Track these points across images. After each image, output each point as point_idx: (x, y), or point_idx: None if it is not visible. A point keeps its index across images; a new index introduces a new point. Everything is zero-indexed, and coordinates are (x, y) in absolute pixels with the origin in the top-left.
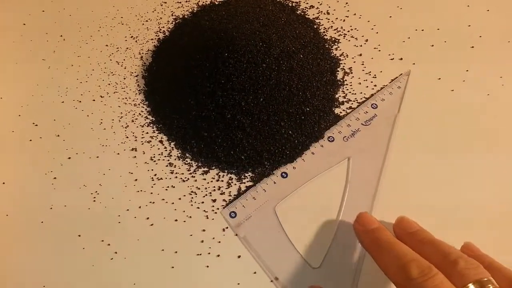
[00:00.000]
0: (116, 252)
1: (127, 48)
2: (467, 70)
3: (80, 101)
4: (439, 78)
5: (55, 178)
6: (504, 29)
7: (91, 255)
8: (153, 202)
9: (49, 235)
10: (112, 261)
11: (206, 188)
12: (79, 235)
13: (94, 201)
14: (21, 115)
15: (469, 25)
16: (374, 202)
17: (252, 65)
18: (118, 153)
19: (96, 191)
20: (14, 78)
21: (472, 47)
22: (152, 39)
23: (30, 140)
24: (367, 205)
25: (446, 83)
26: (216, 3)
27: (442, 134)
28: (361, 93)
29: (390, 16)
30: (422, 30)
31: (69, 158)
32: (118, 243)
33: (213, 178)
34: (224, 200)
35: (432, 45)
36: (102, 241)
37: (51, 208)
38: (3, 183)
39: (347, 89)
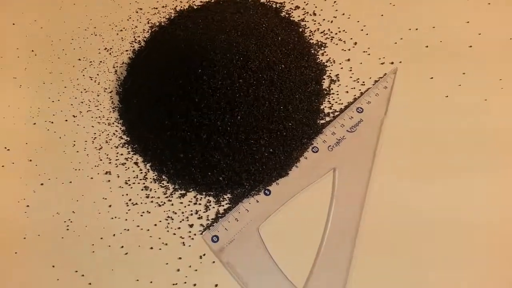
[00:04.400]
0: (90, 283)
1: (100, 61)
2: (464, 73)
3: (52, 122)
4: (432, 78)
5: (28, 206)
6: (505, 27)
7: (65, 287)
8: (128, 229)
9: (24, 266)
10: None
11: (183, 213)
12: (53, 266)
13: (68, 229)
14: (10, 148)
15: (468, 22)
16: (362, 216)
17: (228, 81)
18: (92, 178)
19: (69, 219)
20: None
21: (470, 46)
22: (127, 50)
23: (2, 166)
24: (355, 220)
25: (439, 85)
26: (195, 7)
27: (434, 138)
28: (348, 102)
29: (382, 15)
30: (416, 29)
31: (42, 184)
32: (92, 274)
33: (190, 201)
34: (201, 224)
35: (427, 46)
36: (76, 271)
37: (24, 238)
38: None
39: (333, 99)
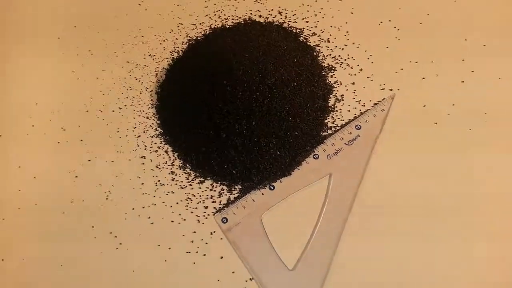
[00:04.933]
0: (120, 243)
1: (145, 65)
2: (453, 104)
3: (101, 111)
4: (424, 106)
5: (76, 176)
6: (497, 66)
7: (100, 244)
8: (155, 204)
9: (69, 224)
10: (117, 251)
11: (200, 196)
12: (93, 226)
13: (107, 199)
14: (52, 120)
15: (463, 60)
16: (348, 216)
17: (247, 92)
18: (130, 159)
19: (109, 191)
20: (48, 87)
21: (463, 81)
22: (167, 58)
23: (58, 142)
24: (342, 218)
25: (430, 113)
26: (227, 26)
27: (420, 158)
28: (349, 119)
29: (387, 47)
30: (416, 62)
31: (89, 160)
32: (123, 236)
33: (207, 188)
34: (214, 207)
35: (423, 78)
36: (111, 233)
37: (71, 202)
38: (34, 177)
39: (336, 116)
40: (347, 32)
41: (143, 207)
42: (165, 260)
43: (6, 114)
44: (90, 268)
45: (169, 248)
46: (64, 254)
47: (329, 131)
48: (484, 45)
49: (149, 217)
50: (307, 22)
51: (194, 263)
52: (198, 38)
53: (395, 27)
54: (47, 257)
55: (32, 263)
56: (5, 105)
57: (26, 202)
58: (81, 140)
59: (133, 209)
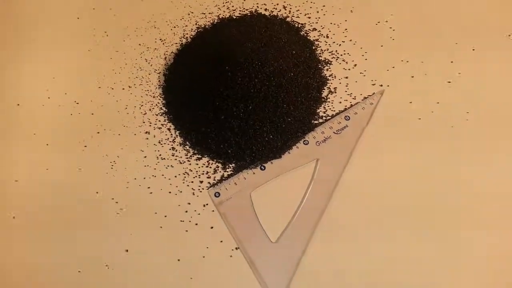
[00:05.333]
0: (121, 209)
1: (155, 48)
2: (438, 102)
3: (112, 88)
4: (410, 102)
5: (85, 146)
6: (483, 70)
7: (104, 209)
8: (155, 176)
9: (75, 188)
10: (117, 215)
11: (196, 171)
12: (97, 192)
13: (112, 168)
14: (67, 93)
15: (452, 61)
16: (330, 199)
17: (246, 79)
18: (135, 134)
19: (114, 161)
20: (65, 62)
21: (449, 82)
22: (176, 43)
23: (71, 114)
24: (324, 201)
25: (415, 109)
26: (234, 17)
27: (404, 151)
28: (340, 110)
29: (382, 46)
30: (407, 61)
31: (98, 132)
32: (124, 202)
33: (204, 164)
34: (209, 183)
35: (412, 76)
36: (113, 199)
37: (79, 168)
38: (47, 144)
39: (328, 106)
40: (346, 29)
41: (144, 178)
42: (161, 227)
43: (26, 85)
44: (91, 228)
45: (165, 216)
46: (68, 215)
47: (320, 120)
48: (473, 49)
49: (148, 187)
50: (309, 18)
51: (187, 230)
52: (206, 27)
53: (390, 28)
54: (53, 214)
55: (40, 217)
56: (25, 77)
57: (38, 164)
58: (92, 114)
59: (135, 179)
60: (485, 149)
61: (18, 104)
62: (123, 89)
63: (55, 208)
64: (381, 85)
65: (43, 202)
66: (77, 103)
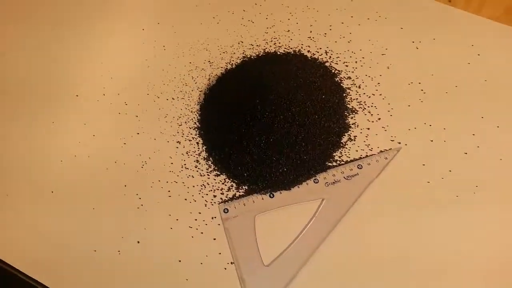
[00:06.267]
0: (142, 205)
1: (202, 69)
2: (450, 170)
3: (158, 97)
4: (424, 165)
5: (124, 143)
6: (504, 146)
7: (127, 202)
8: (177, 182)
9: (108, 178)
10: (138, 209)
11: (213, 186)
12: (125, 185)
13: (142, 167)
14: (120, 94)
15: (473, 134)
16: (326, 239)
17: (273, 114)
18: (168, 141)
19: (145, 161)
20: (124, 68)
21: (466, 153)
22: (221, 67)
23: (119, 113)
24: (320, 239)
25: (427, 172)
26: (278, 53)
27: (404, 210)
28: (354, 158)
29: (409, 105)
30: (430, 125)
31: (138, 133)
32: (145, 200)
33: (220, 181)
34: (221, 198)
35: (432, 140)
36: (137, 194)
37: (115, 162)
38: (93, 135)
39: (345, 152)
40: (378, 83)
41: (167, 182)
42: (171, 228)
43: (87, 81)
44: (112, 216)
45: (177, 220)
46: (95, 200)
47: (334, 163)
48: (498, 126)
49: (169, 191)
50: (346, 66)
51: (192, 237)
52: (252, 57)
53: (422, 90)
54: (83, 197)
55: (73, 197)
56: (89, 74)
57: (82, 152)
58: (136, 116)
59: (159, 181)
60: (486, 224)
61: (77, 95)
62: (167, 99)
63: (87, 191)
64: (399, 143)
65: (79, 183)
66: (126, 104)
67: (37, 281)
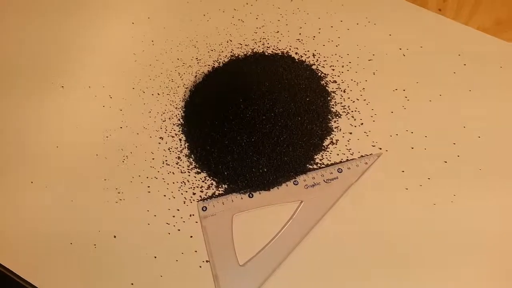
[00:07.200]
0: (121, 199)
1: (189, 65)
2: (429, 178)
3: (144, 92)
4: (403, 171)
5: (107, 137)
6: (487, 155)
7: (106, 195)
8: (157, 178)
9: (88, 171)
10: (116, 204)
11: (192, 183)
12: (105, 179)
13: (123, 162)
14: (105, 87)
15: (454, 143)
16: (302, 240)
17: (255, 114)
18: (151, 136)
19: (127, 156)
20: (108, 61)
21: (446, 162)
22: (209, 65)
23: (103, 106)
24: (296, 240)
25: (406, 178)
26: (266, 54)
27: (382, 214)
28: (335, 162)
29: (392, 112)
30: (412, 132)
31: (121, 127)
32: (125, 194)
33: (200, 179)
34: (200, 196)
35: (412, 148)
36: (116, 188)
37: (96, 155)
38: (76, 127)
39: (326, 155)
40: (363, 88)
41: (147, 177)
42: (148, 224)
43: (74, 73)
44: (90, 209)
45: (155, 216)
46: (74, 195)
47: (315, 166)
48: (479, 137)
49: (148, 186)
50: (333, 69)
51: (169, 233)
52: (239, 57)
53: (405, 97)
54: (62, 193)
55: (54, 190)
56: (75, 66)
57: (63, 143)
58: (120, 110)
59: (139, 176)
60: (462, 233)
61: (63, 87)
62: (152, 94)
63: (66, 183)
64: (380, 148)
65: (59, 175)
66: (111, 98)
67: (10, 270)
